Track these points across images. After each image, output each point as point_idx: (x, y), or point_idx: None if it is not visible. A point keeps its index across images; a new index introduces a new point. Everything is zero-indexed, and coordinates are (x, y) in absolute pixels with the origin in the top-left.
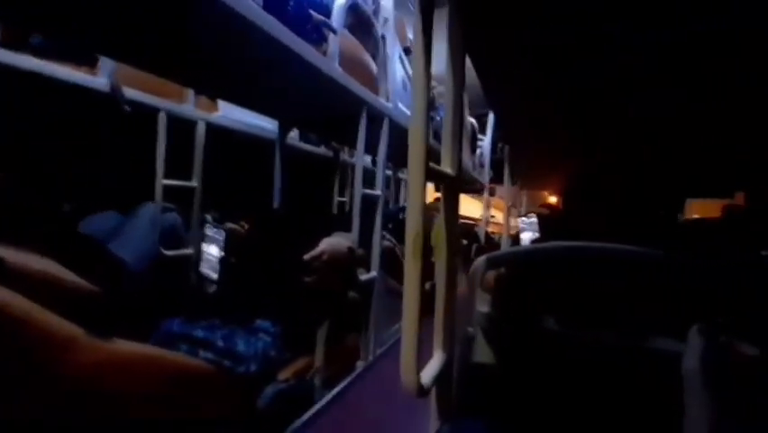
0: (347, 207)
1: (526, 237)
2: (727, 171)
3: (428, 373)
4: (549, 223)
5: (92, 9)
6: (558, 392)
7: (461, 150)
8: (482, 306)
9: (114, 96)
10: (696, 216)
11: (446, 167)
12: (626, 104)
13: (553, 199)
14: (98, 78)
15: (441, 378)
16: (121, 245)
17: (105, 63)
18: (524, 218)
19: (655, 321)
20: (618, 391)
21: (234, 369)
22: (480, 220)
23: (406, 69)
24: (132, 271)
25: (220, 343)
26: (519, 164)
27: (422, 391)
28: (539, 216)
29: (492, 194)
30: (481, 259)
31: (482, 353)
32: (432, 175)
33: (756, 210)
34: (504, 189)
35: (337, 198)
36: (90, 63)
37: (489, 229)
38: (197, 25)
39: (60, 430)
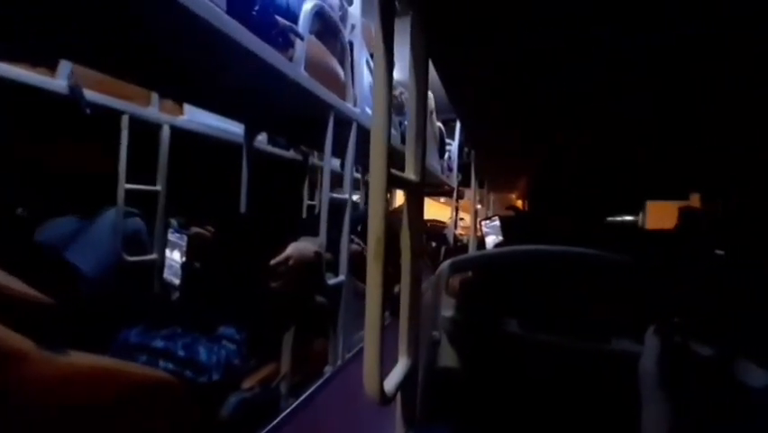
0: (317, 211)
1: (490, 241)
2: (682, 174)
3: (392, 379)
4: (512, 226)
5: (50, 10)
6: (521, 396)
7: (424, 155)
8: (447, 310)
9: (73, 99)
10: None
11: (410, 173)
12: (587, 109)
13: (519, 202)
14: (57, 80)
15: (405, 383)
16: (79, 252)
17: (65, 65)
18: (487, 221)
19: (615, 323)
20: (579, 393)
21: (196, 379)
22: (449, 223)
23: (373, 74)
24: (89, 279)
25: (181, 352)
26: (485, 168)
27: (385, 399)
28: (502, 218)
29: (461, 197)
30: (445, 263)
31: (447, 357)
32: (394, 181)
33: (710, 212)
34: (471, 192)
35: (307, 202)
36: (49, 64)
37: (458, 231)
38: (159, 28)
39: None
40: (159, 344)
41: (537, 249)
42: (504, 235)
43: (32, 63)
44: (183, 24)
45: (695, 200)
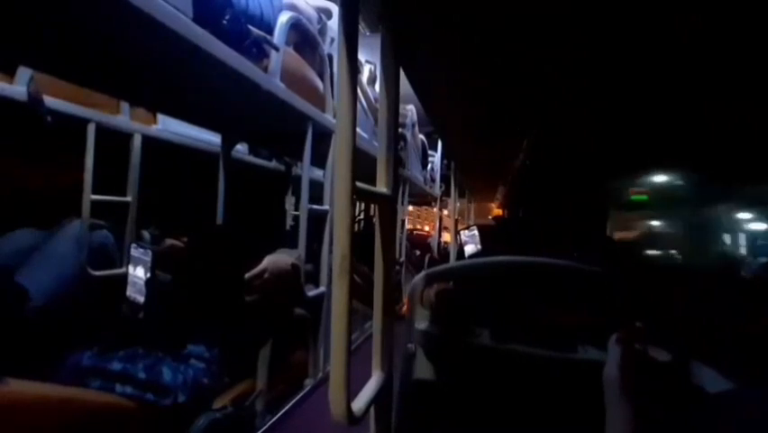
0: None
1: (469, 249)
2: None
3: (364, 396)
4: (489, 235)
5: (8, 13)
6: (494, 407)
7: (396, 167)
8: (420, 322)
9: (33, 107)
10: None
11: (381, 186)
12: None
13: (498, 211)
14: (15, 87)
15: (379, 398)
16: (38, 266)
17: (24, 70)
18: (465, 231)
19: (582, 332)
20: (549, 402)
21: (159, 402)
22: (433, 232)
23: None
24: (48, 296)
25: (141, 375)
26: (465, 178)
27: (353, 419)
28: (480, 228)
29: (444, 207)
30: (420, 275)
31: (423, 370)
32: (361, 195)
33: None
34: (450, 202)
35: (292, 212)
36: (7, 70)
37: (444, 240)
38: (123, 36)
39: None
40: (116, 366)
41: (508, 260)
42: (482, 245)
43: None
44: (147, 32)
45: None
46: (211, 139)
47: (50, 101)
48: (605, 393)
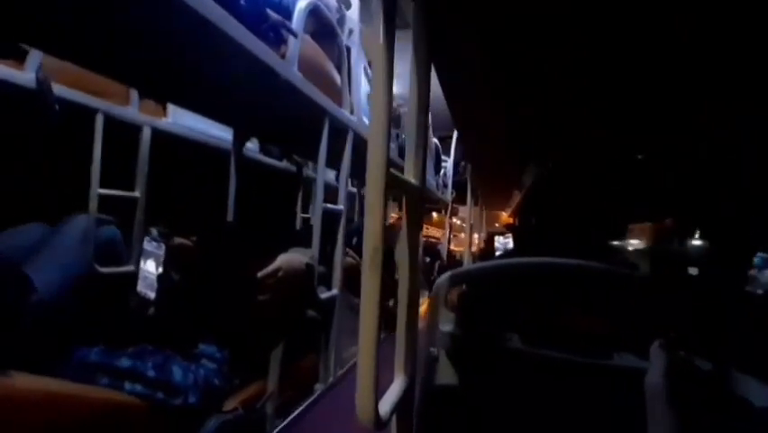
0: (311, 224)
1: None
2: (659, 200)
3: (388, 400)
4: (526, 243)
5: None
6: (523, 414)
7: (425, 161)
8: (446, 325)
9: (41, 94)
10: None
11: (410, 177)
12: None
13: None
14: (24, 73)
15: (402, 403)
16: (44, 262)
17: (33, 56)
18: (500, 238)
19: (616, 338)
20: (584, 410)
21: (169, 401)
22: (442, 238)
23: (371, 84)
24: (53, 291)
25: (151, 373)
26: (481, 184)
27: (380, 423)
28: (515, 234)
29: (455, 213)
30: (445, 276)
31: (446, 374)
32: (393, 183)
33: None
34: (466, 208)
35: (301, 215)
36: (17, 56)
37: (452, 247)
38: (139, 13)
39: None
40: (124, 363)
41: (537, 262)
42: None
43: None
44: (165, 9)
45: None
46: (221, 135)
47: (58, 89)
48: (647, 401)
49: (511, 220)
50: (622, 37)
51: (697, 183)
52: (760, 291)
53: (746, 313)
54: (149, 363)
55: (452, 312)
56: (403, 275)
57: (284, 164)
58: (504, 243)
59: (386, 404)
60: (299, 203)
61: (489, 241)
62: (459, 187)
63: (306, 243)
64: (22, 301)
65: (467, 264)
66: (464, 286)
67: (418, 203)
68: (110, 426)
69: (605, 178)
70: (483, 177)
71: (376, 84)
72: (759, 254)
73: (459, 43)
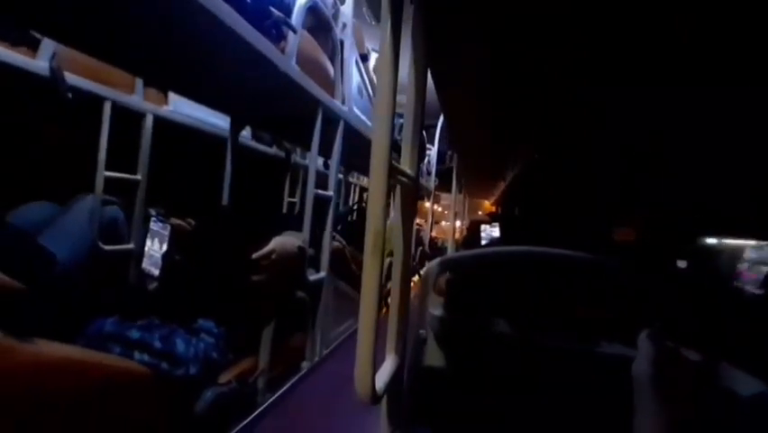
0: (296, 209)
1: None
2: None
3: (381, 378)
4: (513, 232)
5: None
6: (509, 397)
7: (420, 154)
8: (435, 308)
9: (54, 82)
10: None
11: (405, 167)
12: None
13: (491, 208)
14: (38, 62)
15: (392, 382)
16: (53, 238)
17: (47, 45)
18: (486, 227)
19: (604, 326)
20: (569, 395)
21: (172, 372)
22: (424, 225)
23: (362, 76)
24: (63, 267)
25: (157, 344)
26: (465, 172)
27: (376, 398)
28: (502, 222)
29: (437, 201)
30: (435, 262)
31: (434, 356)
32: (394, 172)
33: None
34: (451, 196)
35: (287, 199)
36: (30, 44)
37: (434, 234)
38: (149, 8)
39: None
40: (134, 334)
41: (527, 250)
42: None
43: (12, 42)
44: (176, 4)
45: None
46: (218, 123)
47: (69, 78)
48: (634, 388)
49: (494, 209)
50: (609, 26)
51: (685, 175)
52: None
53: (733, 305)
54: (156, 335)
55: (441, 297)
56: (396, 261)
57: (274, 150)
58: (489, 232)
59: (379, 381)
60: (287, 188)
61: (474, 229)
62: (442, 175)
63: (296, 226)
64: (46, 274)
65: (450, 251)
66: (452, 271)
67: (413, 191)
68: (122, 391)
69: (591, 170)
70: (468, 166)
71: (381, 78)
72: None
73: (450, 35)
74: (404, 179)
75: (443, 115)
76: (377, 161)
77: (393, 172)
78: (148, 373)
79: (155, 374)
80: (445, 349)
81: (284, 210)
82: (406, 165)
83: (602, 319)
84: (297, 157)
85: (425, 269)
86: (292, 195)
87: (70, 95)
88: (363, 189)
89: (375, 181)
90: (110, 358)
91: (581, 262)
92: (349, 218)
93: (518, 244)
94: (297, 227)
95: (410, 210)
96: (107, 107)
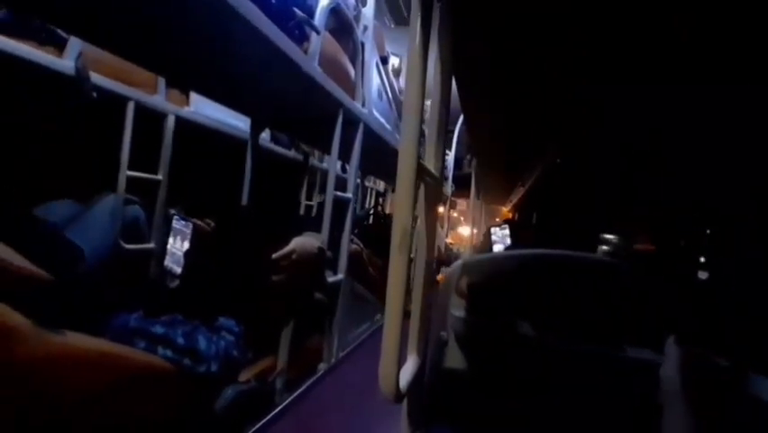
0: (314, 211)
1: (498, 250)
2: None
3: (404, 377)
4: (523, 234)
5: None
6: (529, 398)
7: (443, 155)
8: (457, 310)
9: (79, 81)
10: None
11: (430, 168)
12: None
13: (509, 214)
14: (64, 61)
15: (413, 383)
16: (76, 236)
17: (73, 45)
18: (496, 229)
19: (629, 330)
20: (592, 399)
21: (194, 368)
22: (440, 230)
23: (382, 78)
24: (89, 262)
25: (180, 340)
26: (484, 177)
27: (399, 397)
28: (512, 226)
29: (453, 207)
30: (457, 264)
31: (455, 357)
32: (421, 172)
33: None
34: (470, 201)
35: (305, 202)
36: (57, 44)
37: (449, 240)
38: (175, 7)
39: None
40: (158, 330)
41: (550, 253)
42: (513, 243)
43: (40, 42)
44: (203, 4)
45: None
46: (237, 124)
47: (94, 77)
48: (662, 395)
49: (510, 215)
50: (629, 31)
51: (706, 181)
52: None
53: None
54: (179, 331)
55: (462, 299)
56: (419, 262)
57: (292, 153)
58: (501, 235)
59: (402, 381)
60: (304, 190)
61: (487, 234)
62: (458, 181)
63: (314, 228)
64: (73, 268)
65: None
66: (475, 274)
67: (437, 192)
68: (146, 385)
69: (613, 176)
70: (487, 171)
71: (410, 83)
72: None
73: (476, 37)
74: (429, 179)
75: (463, 119)
76: (404, 158)
77: (420, 171)
78: (171, 368)
79: (178, 370)
80: (466, 351)
81: (301, 213)
82: (430, 165)
83: (623, 323)
84: (314, 160)
85: (446, 271)
86: (309, 198)
87: (95, 94)
88: (379, 194)
89: (402, 179)
90: (135, 352)
91: (602, 265)
92: (366, 221)
93: (529, 248)
94: (315, 229)
95: (434, 211)
96: (130, 107)
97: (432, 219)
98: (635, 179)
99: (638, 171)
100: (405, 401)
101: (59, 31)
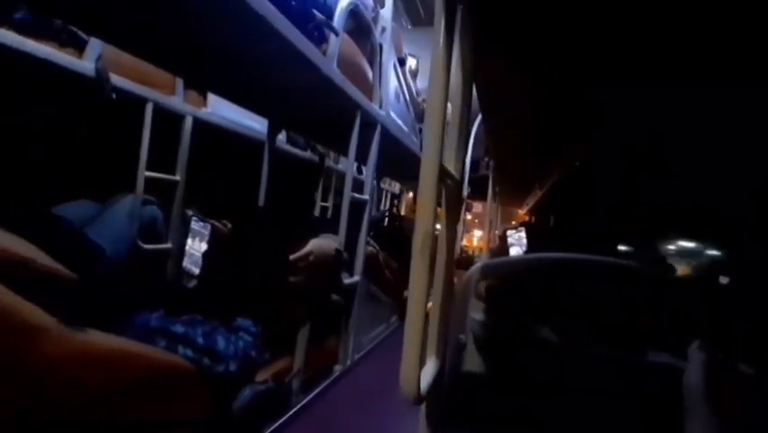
0: (329, 213)
1: (514, 252)
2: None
3: (424, 379)
4: (539, 237)
5: None
6: (549, 402)
7: (464, 158)
8: (476, 313)
9: (99, 82)
10: None
11: (451, 170)
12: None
13: (525, 217)
14: (84, 62)
15: (433, 385)
16: (95, 236)
17: (93, 46)
18: (512, 231)
19: (651, 335)
20: (610, 403)
21: (213, 368)
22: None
23: (399, 80)
24: (109, 261)
25: (200, 340)
26: (502, 179)
27: (420, 399)
28: (528, 228)
29: (468, 210)
30: (476, 266)
31: (474, 360)
32: (443, 174)
33: None
34: (487, 204)
35: (320, 203)
36: (77, 45)
37: (464, 243)
38: (196, 7)
39: (22, 427)
40: (179, 329)
41: (571, 257)
42: (530, 247)
43: (61, 43)
44: (224, 6)
45: None
46: (254, 126)
47: (114, 79)
48: (686, 401)
49: (527, 218)
50: (654, 32)
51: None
52: None
53: None
54: (198, 331)
55: (482, 301)
56: (439, 265)
57: (308, 154)
58: (518, 238)
59: (422, 382)
60: (320, 191)
61: (503, 237)
62: (473, 183)
63: (330, 230)
64: (95, 267)
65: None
66: (494, 277)
67: (458, 194)
68: (167, 384)
69: (637, 180)
70: (505, 173)
71: (433, 87)
72: None
73: (498, 37)
74: (450, 181)
75: (481, 120)
76: (427, 162)
77: (442, 175)
78: (191, 368)
79: (197, 370)
80: (486, 353)
81: (317, 214)
82: (450, 168)
83: (644, 327)
84: (330, 161)
85: (465, 274)
86: (324, 199)
87: (114, 95)
88: (394, 196)
89: (425, 182)
90: (157, 351)
91: (622, 269)
92: (381, 224)
93: (546, 251)
94: (332, 231)
95: (455, 213)
96: (149, 108)
97: (452, 222)
98: (659, 184)
99: (662, 176)
100: (423, 404)
101: (79, 32)
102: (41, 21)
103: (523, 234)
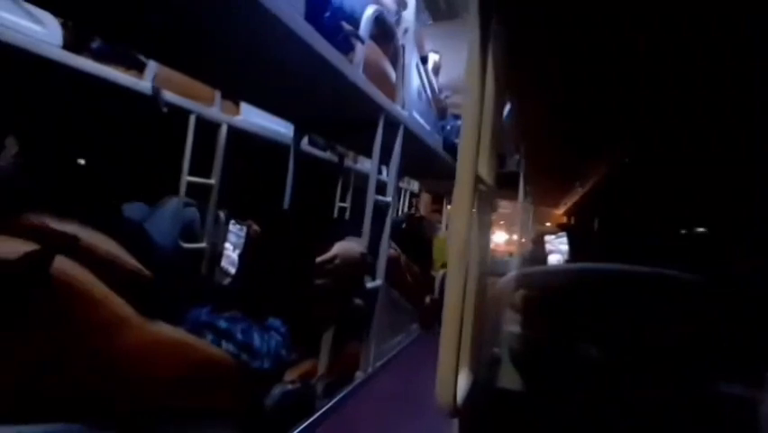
0: (347, 213)
1: (553, 260)
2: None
3: (459, 392)
4: (584, 244)
5: (148, 12)
6: (586, 421)
7: (496, 163)
8: (511, 326)
9: (154, 99)
10: None
11: (484, 176)
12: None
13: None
14: (143, 82)
15: (466, 399)
16: None
17: (150, 68)
18: (552, 237)
19: (715, 360)
20: (654, 425)
21: (250, 364)
22: None
23: (421, 78)
24: (163, 259)
25: (239, 336)
26: (534, 176)
27: (457, 412)
28: (571, 234)
29: (495, 209)
30: (510, 275)
31: (510, 377)
32: (477, 182)
33: None
34: (518, 204)
35: (338, 204)
36: (138, 67)
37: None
38: (237, 30)
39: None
40: (223, 324)
41: (612, 268)
42: (573, 255)
43: (126, 66)
44: (261, 23)
45: None
46: (278, 129)
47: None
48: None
49: (564, 219)
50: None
51: None
52: None
53: None
54: (238, 327)
55: (517, 313)
56: (472, 273)
57: (328, 155)
58: (558, 243)
59: (458, 396)
60: (339, 193)
61: (541, 242)
62: (500, 179)
63: (351, 232)
64: (159, 265)
65: (513, 268)
66: (531, 287)
67: (491, 200)
68: (214, 375)
69: (694, 179)
70: (538, 170)
71: (468, 100)
72: None
73: (531, 29)
74: (483, 186)
75: (509, 111)
76: (463, 170)
77: (477, 182)
78: (233, 362)
79: (236, 364)
80: (523, 370)
81: (335, 215)
82: (483, 173)
83: (707, 350)
84: (349, 162)
85: (497, 283)
86: (343, 200)
87: (165, 109)
88: (413, 195)
89: (460, 190)
90: (207, 344)
91: (679, 282)
92: (402, 226)
93: (592, 260)
94: (352, 233)
95: (487, 219)
96: (192, 119)
97: (485, 229)
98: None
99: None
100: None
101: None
102: (110, 48)
103: (564, 239)
